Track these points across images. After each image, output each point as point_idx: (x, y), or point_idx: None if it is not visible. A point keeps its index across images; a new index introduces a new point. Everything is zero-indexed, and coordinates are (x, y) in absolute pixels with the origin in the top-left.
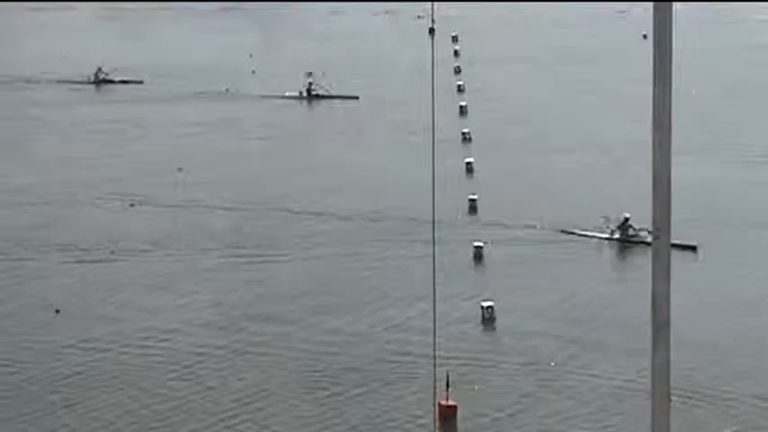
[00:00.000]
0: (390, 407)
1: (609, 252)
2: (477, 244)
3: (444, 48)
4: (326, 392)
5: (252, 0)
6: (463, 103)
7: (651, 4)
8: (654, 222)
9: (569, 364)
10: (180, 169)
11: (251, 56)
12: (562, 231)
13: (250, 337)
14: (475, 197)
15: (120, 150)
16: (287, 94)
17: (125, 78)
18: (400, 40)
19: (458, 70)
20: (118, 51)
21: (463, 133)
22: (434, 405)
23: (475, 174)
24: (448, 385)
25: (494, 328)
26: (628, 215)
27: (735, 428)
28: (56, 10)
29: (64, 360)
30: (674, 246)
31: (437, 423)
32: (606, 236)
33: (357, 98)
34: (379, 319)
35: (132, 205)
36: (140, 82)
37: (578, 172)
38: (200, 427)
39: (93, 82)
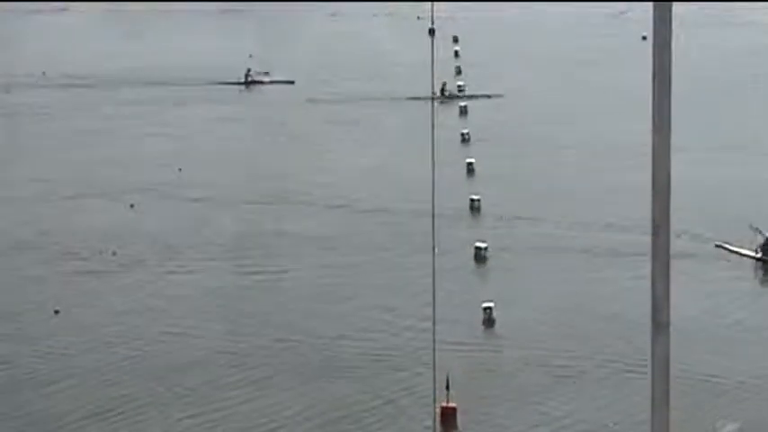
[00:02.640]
0: None
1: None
2: (478, 244)
3: (445, 49)
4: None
5: (252, 0)
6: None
7: (651, 4)
8: (653, 222)
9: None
10: (179, 169)
11: (250, 56)
12: (717, 246)
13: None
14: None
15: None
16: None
17: (276, 79)
18: (402, 41)
19: (458, 71)
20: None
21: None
22: (434, 407)
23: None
24: (448, 387)
25: None
26: None
27: (740, 424)
28: (51, 12)
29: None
30: None
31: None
32: (755, 255)
33: (502, 96)
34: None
35: (132, 206)
36: (291, 82)
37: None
38: None
39: (243, 83)
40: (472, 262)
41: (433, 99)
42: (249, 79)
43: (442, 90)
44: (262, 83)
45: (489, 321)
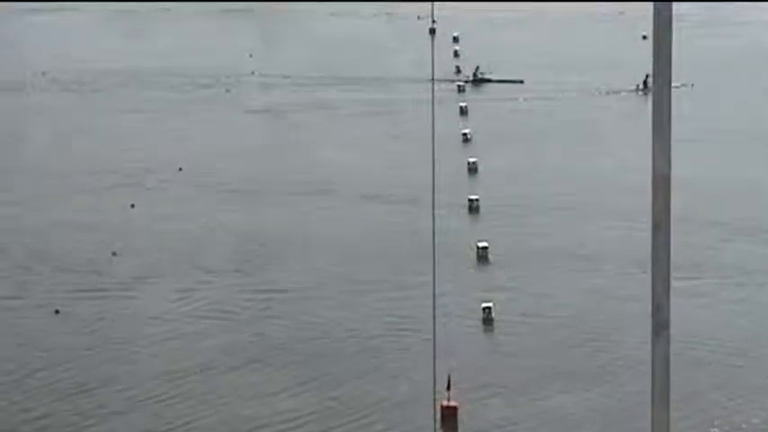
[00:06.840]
0: None
1: None
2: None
3: (445, 48)
4: None
5: (253, 0)
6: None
7: (651, 4)
8: (653, 222)
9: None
10: (180, 169)
11: (251, 56)
12: None
13: None
14: None
15: None
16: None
17: (505, 78)
18: (401, 41)
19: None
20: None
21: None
22: (434, 406)
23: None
24: (449, 386)
25: None
26: None
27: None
28: (50, 11)
29: None
30: None
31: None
32: None
33: (682, 86)
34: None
35: (132, 205)
36: (521, 81)
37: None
38: None
39: (472, 81)
40: None
41: (637, 90)
42: (478, 77)
43: (645, 83)
44: (490, 81)
45: (488, 321)
